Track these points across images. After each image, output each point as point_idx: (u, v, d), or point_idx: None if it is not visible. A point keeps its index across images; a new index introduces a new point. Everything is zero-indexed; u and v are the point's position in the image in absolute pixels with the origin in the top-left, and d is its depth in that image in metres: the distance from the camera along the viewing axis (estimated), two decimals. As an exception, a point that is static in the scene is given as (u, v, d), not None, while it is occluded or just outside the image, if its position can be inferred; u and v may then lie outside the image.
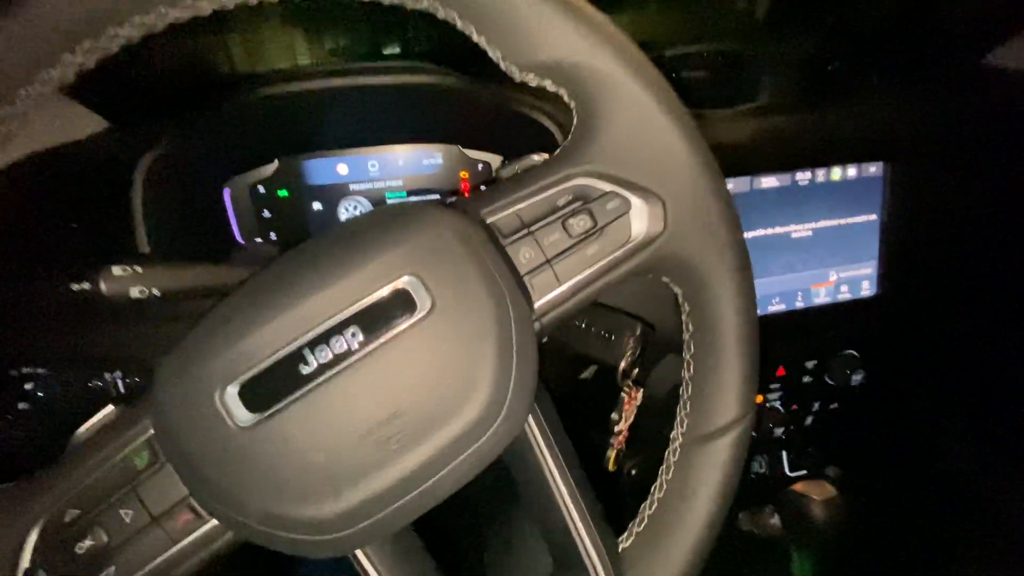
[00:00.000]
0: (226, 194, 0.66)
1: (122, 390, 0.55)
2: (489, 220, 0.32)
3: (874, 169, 0.62)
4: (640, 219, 0.31)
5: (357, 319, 0.27)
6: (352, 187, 0.70)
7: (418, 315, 0.27)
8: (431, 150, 0.70)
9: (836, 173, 0.61)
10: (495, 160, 0.73)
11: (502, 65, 0.32)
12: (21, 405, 0.51)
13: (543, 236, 0.31)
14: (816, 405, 0.74)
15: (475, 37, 0.31)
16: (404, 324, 0.27)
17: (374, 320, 0.27)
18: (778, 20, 0.68)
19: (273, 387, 0.26)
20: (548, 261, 0.31)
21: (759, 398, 0.73)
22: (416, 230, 0.29)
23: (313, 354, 0.26)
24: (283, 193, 0.68)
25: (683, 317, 0.34)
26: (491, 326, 0.28)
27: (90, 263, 0.54)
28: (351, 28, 0.75)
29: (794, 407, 0.74)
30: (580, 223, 0.31)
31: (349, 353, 0.26)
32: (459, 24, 0.30)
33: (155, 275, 0.39)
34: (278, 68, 0.53)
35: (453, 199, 0.35)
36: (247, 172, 0.66)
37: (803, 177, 0.60)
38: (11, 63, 0.25)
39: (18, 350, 0.50)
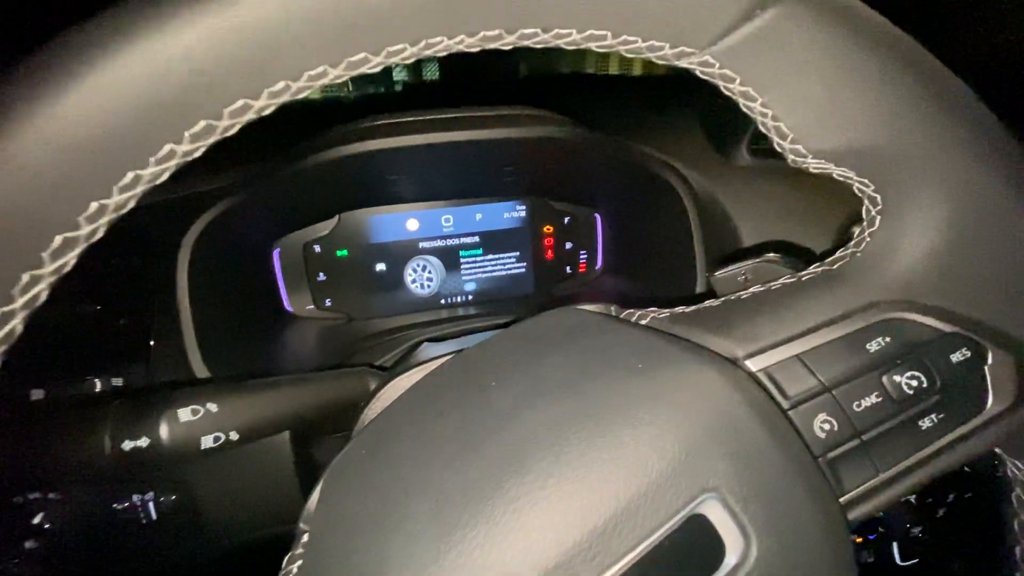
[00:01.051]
0: (275, 256, 0.55)
1: (154, 515, 0.43)
2: (756, 367, 0.22)
3: None
4: (1003, 380, 0.21)
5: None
6: (422, 245, 0.60)
7: (729, 566, 0.17)
8: (515, 202, 0.60)
9: None
10: (583, 213, 0.63)
11: (781, 143, 0.22)
12: (28, 544, 0.40)
13: (850, 399, 0.21)
14: (951, 496, 0.64)
15: (756, 108, 0.21)
16: None
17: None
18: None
19: None
20: (860, 438, 0.21)
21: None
22: (693, 398, 0.19)
23: None
24: (343, 253, 0.57)
25: (1022, 500, 0.24)
26: (828, 568, 0.18)
27: (126, 357, 0.43)
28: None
29: (928, 500, 0.64)
30: (908, 381, 0.21)
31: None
32: (734, 88, 0.20)
33: (232, 411, 0.28)
34: (358, 120, 0.43)
35: (662, 314, 0.25)
36: (301, 230, 0.56)
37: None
38: (85, 158, 0.15)
39: (25, 472, 0.39)
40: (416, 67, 0.74)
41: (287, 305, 0.57)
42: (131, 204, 0.16)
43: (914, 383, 0.21)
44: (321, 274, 0.57)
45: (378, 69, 0.18)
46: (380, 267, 0.59)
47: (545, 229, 0.63)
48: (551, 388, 0.20)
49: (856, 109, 0.20)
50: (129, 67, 0.14)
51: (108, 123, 0.14)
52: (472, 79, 0.71)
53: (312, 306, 0.58)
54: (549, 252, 0.64)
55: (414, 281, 0.60)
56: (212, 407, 0.27)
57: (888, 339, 0.21)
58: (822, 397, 0.21)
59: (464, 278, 0.62)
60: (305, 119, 0.57)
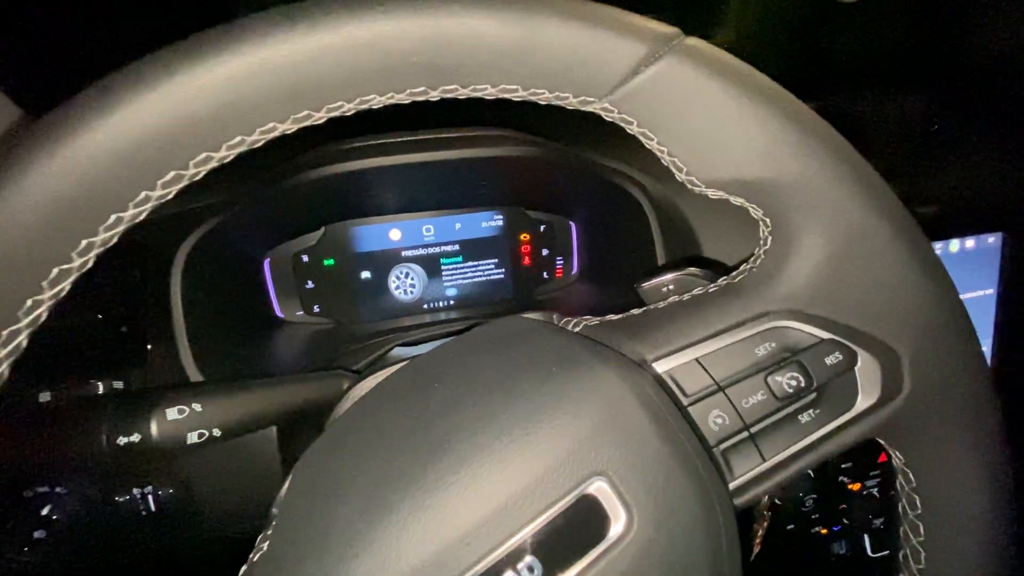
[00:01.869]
0: (266, 265, 0.59)
1: (153, 506, 0.47)
2: (662, 369, 0.25)
3: (992, 240, 0.56)
4: (870, 379, 0.24)
5: (535, 545, 0.20)
6: (405, 253, 0.63)
7: (613, 536, 0.20)
8: (492, 212, 0.64)
9: (954, 245, 0.55)
10: (558, 221, 0.67)
11: (679, 176, 0.25)
12: (37, 534, 0.43)
13: (740, 396, 0.24)
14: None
15: (654, 146, 0.24)
16: (598, 552, 0.20)
17: (557, 545, 0.20)
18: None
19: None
20: (748, 430, 0.24)
21: (856, 486, 0.66)
22: (592, 397, 0.22)
23: None
24: (329, 262, 0.61)
25: (903, 485, 0.27)
26: (701, 540, 0.21)
27: (122, 361, 0.47)
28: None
29: (892, 492, 0.67)
30: (789, 381, 0.24)
31: (527, 597, 0.19)
32: (634, 129, 0.24)
33: (215, 410, 0.32)
34: (340, 141, 0.47)
35: (593, 322, 0.28)
36: (289, 241, 0.59)
37: (922, 252, 0.54)
38: (75, 205, 0.18)
39: (34, 467, 0.43)
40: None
41: (278, 311, 0.61)
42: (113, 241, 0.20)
43: (794, 383, 0.24)
44: (309, 282, 0.61)
45: (321, 121, 0.21)
46: (365, 275, 0.63)
47: (522, 237, 0.66)
48: (479, 388, 0.23)
49: (736, 147, 0.23)
50: (109, 132, 0.18)
51: (100, 168, 0.18)
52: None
53: (301, 312, 0.62)
54: (527, 259, 0.67)
55: (398, 288, 0.64)
56: (197, 407, 0.30)
57: (774, 344, 0.25)
58: (716, 395, 0.24)
59: (446, 284, 0.65)
60: (294, 136, 0.61)
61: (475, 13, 0.20)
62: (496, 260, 0.66)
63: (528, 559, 0.19)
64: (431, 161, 0.47)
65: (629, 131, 0.24)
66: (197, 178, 0.20)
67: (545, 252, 0.67)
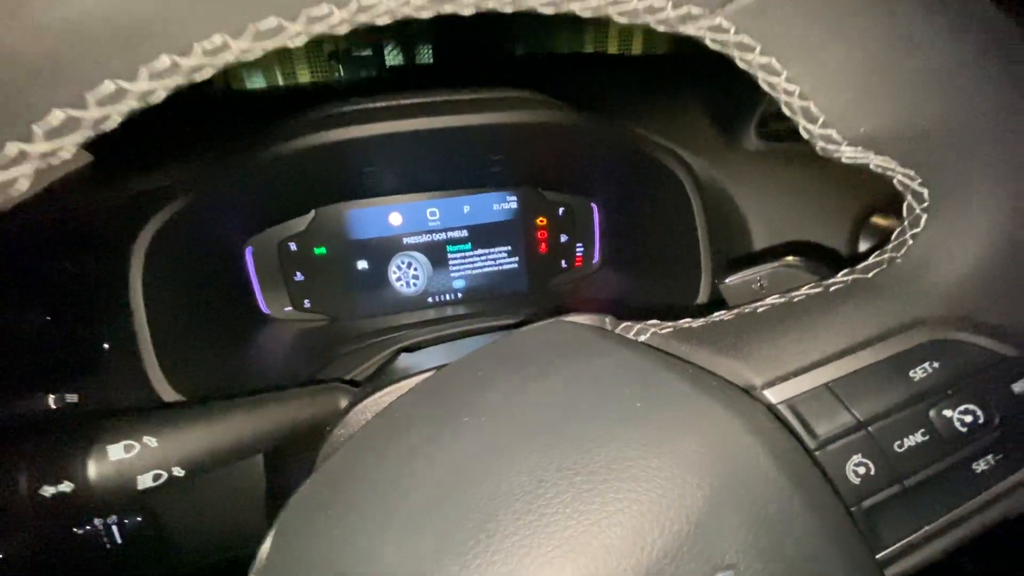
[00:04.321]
0: (248, 254, 0.52)
1: (119, 539, 0.40)
2: (776, 398, 0.18)
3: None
4: (1078, 413, 0.18)
5: None
6: (407, 240, 0.56)
7: None
8: (505, 193, 0.56)
9: None
10: (579, 203, 0.59)
11: (811, 129, 0.18)
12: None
13: (891, 437, 0.18)
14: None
15: (780, 84, 0.17)
16: None
17: None
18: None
19: None
20: (902, 483, 0.17)
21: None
22: (704, 450, 0.15)
23: None
24: (321, 251, 0.54)
25: None
26: None
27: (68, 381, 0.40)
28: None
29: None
30: (961, 416, 0.18)
31: None
32: (753, 59, 0.17)
33: (175, 443, 0.25)
34: (334, 103, 0.39)
35: (664, 328, 0.21)
36: (274, 226, 0.52)
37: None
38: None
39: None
40: (409, 50, 0.69)
41: (263, 307, 0.53)
42: None
43: (968, 418, 0.17)
44: (298, 273, 0.54)
45: (301, 41, 0.14)
46: (362, 265, 0.55)
47: (538, 221, 0.59)
48: (531, 429, 0.16)
49: (905, 82, 0.16)
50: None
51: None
52: (466, 61, 0.67)
53: (290, 307, 0.54)
54: (543, 245, 0.60)
55: (399, 279, 0.57)
56: (150, 441, 0.23)
57: (936, 365, 0.18)
58: (857, 435, 0.18)
59: (452, 275, 0.58)
60: (283, 104, 0.53)
61: None
62: (509, 247, 0.59)
63: None
64: (437, 129, 0.40)
65: (742, 63, 0.17)
66: (105, 125, 0.13)
67: (564, 238, 0.60)
